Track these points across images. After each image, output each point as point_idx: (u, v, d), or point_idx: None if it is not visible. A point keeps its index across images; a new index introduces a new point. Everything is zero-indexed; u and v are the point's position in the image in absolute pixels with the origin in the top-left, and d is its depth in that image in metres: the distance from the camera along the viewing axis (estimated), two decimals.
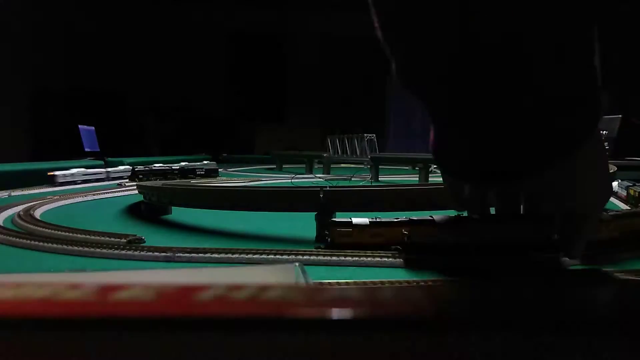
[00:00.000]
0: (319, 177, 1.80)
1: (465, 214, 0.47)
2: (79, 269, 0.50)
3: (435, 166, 1.97)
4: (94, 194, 1.21)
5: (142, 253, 0.57)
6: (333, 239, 0.51)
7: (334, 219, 0.53)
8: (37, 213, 0.87)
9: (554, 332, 0.11)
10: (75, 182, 1.45)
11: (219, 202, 0.71)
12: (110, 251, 0.58)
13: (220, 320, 0.11)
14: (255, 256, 0.50)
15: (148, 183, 1.03)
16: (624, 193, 0.93)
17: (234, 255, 0.51)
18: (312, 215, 0.58)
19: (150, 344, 0.11)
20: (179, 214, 0.85)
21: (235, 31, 5.13)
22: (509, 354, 0.11)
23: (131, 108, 4.44)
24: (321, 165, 2.20)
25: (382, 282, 0.41)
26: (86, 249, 0.59)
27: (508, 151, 0.32)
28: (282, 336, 0.11)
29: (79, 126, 3.00)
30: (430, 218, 0.47)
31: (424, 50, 0.31)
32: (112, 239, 0.63)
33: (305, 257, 0.49)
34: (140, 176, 1.52)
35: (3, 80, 3.32)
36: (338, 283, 0.41)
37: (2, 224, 0.76)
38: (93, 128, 3.20)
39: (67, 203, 1.07)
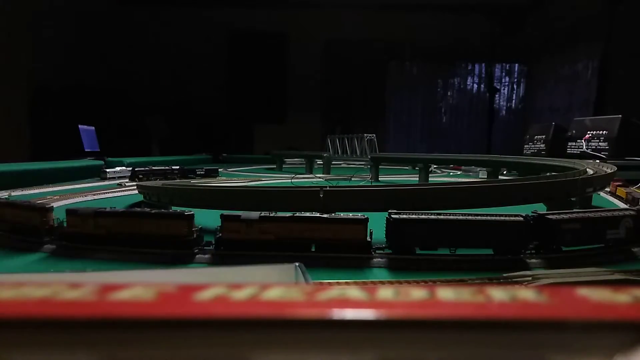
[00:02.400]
0: (319, 177, 1.80)
1: None
2: (79, 269, 0.50)
3: (435, 166, 1.97)
4: (94, 194, 1.22)
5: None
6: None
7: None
8: None
9: None
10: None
11: (219, 202, 0.71)
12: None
13: (220, 320, 0.11)
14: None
15: (148, 183, 1.03)
16: None
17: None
18: None
19: (150, 344, 0.11)
20: None
21: (235, 31, 5.13)
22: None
23: (131, 108, 4.45)
24: (321, 165, 2.20)
25: (382, 282, 0.41)
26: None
27: None
28: (282, 336, 0.11)
29: (79, 126, 3.00)
30: None
31: None
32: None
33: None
34: (140, 176, 1.52)
35: (3, 80, 3.33)
36: (338, 283, 0.41)
37: None
38: (93, 128, 3.20)
39: (67, 203, 1.07)
